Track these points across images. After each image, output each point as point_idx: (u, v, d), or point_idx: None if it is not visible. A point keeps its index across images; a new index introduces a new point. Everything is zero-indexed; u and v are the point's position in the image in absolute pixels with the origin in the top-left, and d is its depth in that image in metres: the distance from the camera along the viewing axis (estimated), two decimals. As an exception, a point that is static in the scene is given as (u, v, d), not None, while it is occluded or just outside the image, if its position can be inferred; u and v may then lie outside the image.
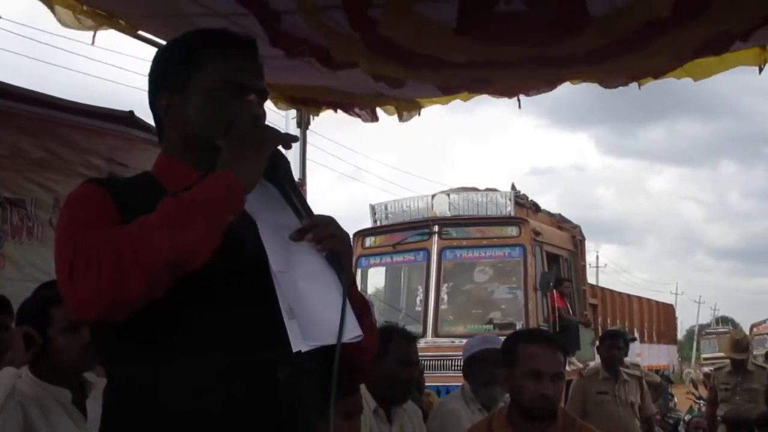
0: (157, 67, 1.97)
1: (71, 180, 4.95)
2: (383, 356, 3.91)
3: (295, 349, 1.69)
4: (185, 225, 1.65)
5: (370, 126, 7.46)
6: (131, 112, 5.50)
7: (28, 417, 3.07)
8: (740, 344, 8.82)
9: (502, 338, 3.84)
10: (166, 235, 1.64)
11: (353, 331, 1.75)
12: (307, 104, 6.69)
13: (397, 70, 5.14)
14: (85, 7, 4.55)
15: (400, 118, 6.56)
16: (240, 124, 1.80)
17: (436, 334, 11.19)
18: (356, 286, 1.94)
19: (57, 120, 5.03)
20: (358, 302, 1.89)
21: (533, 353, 3.21)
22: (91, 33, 4.77)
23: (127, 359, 1.77)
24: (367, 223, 12.61)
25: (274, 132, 1.83)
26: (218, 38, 1.93)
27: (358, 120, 6.71)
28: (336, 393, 1.72)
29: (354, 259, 12.16)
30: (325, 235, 1.78)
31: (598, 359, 7.78)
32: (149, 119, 5.46)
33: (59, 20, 4.56)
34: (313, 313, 1.72)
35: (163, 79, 1.93)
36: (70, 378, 3.24)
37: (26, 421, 3.06)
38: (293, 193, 1.82)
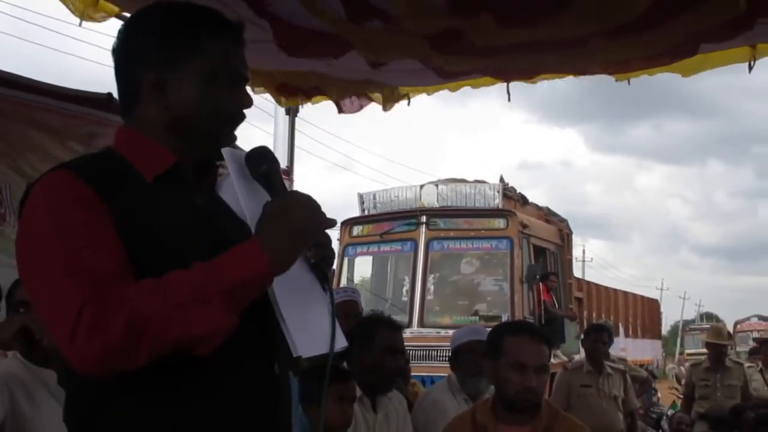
0: (143, 38, 1.83)
1: (48, 165, 4.88)
2: (369, 345, 3.91)
3: (296, 354, 1.73)
4: (206, 309, 1.57)
5: (360, 115, 7.43)
6: (110, 94, 5.40)
7: (13, 398, 3.07)
8: (722, 331, 8.95)
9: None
10: (185, 315, 1.56)
11: (341, 342, 1.81)
12: (293, 93, 6.59)
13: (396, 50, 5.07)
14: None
15: (385, 108, 6.52)
16: (291, 202, 1.70)
17: (421, 324, 11.21)
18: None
19: (34, 104, 4.90)
20: None
21: (518, 345, 3.22)
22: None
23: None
24: (355, 212, 12.63)
25: (326, 220, 1.74)
26: (217, 22, 1.86)
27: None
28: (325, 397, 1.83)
29: (341, 248, 12.20)
30: (317, 242, 1.77)
31: (583, 352, 7.81)
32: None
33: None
34: (305, 321, 1.76)
35: (151, 53, 1.80)
36: (56, 359, 3.24)
37: (12, 402, 3.05)
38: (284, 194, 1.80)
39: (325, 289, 1.79)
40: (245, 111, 1.89)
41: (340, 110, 6.51)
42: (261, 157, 1.80)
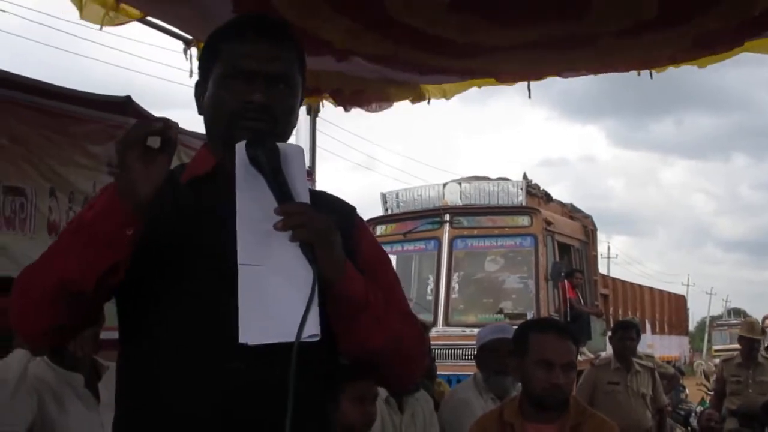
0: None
1: (69, 169, 4.97)
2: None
3: (241, 341, 1.64)
4: (64, 252, 1.66)
5: (381, 115, 7.44)
6: (128, 97, 5.40)
7: (41, 402, 3.09)
8: (755, 326, 8.82)
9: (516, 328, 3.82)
10: (47, 265, 1.68)
11: (310, 330, 1.63)
12: (312, 95, 6.56)
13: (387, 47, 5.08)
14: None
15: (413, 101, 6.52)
16: (117, 148, 1.70)
17: (446, 323, 11.17)
18: (372, 284, 1.79)
19: (55, 110, 4.92)
20: (378, 301, 1.78)
21: (544, 343, 3.20)
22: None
23: (125, 343, 1.85)
24: (379, 212, 12.60)
25: (130, 135, 1.68)
26: (237, 24, 1.91)
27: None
28: (294, 396, 1.59)
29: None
30: (294, 225, 1.65)
31: (610, 349, 7.76)
32: (147, 105, 5.28)
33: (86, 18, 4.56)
34: (273, 307, 1.66)
35: (199, 72, 1.96)
36: (83, 362, 3.26)
37: (40, 405, 3.08)
38: (275, 180, 1.71)
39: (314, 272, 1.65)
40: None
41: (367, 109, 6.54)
42: (253, 144, 1.74)
